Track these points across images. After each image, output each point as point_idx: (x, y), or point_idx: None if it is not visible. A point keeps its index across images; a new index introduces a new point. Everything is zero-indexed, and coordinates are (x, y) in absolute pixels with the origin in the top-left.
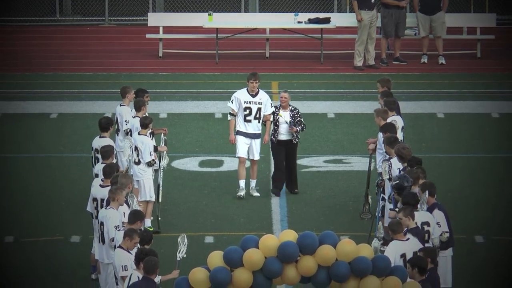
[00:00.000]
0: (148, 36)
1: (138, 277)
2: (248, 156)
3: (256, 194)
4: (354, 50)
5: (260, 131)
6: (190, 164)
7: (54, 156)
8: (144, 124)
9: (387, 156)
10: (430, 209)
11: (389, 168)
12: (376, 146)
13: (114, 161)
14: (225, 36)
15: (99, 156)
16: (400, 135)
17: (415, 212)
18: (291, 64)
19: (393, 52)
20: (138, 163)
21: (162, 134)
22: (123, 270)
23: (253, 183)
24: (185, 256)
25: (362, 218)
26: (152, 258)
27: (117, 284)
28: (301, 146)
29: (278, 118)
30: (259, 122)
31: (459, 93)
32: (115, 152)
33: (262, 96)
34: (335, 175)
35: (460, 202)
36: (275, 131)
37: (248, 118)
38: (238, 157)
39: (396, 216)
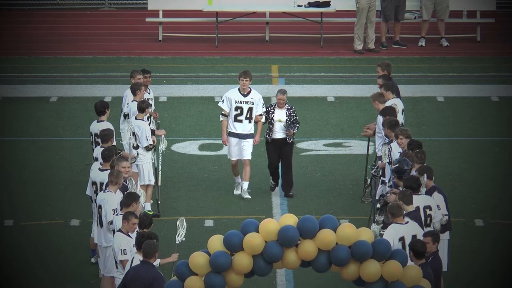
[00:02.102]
0: (148, 19)
1: (140, 261)
2: (240, 157)
3: (248, 196)
4: (354, 34)
5: (252, 131)
6: (190, 147)
7: (53, 139)
8: (141, 108)
9: (387, 140)
10: (429, 192)
11: (389, 151)
12: (375, 130)
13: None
14: (225, 20)
15: (99, 140)
16: (400, 118)
17: (416, 196)
18: (291, 47)
19: (393, 35)
20: (136, 147)
21: (153, 118)
22: (122, 254)
23: (245, 185)
24: (184, 239)
25: (362, 201)
26: (150, 242)
27: (116, 267)
28: (301, 129)
29: (273, 117)
30: (250, 122)
31: (459, 77)
32: (114, 136)
33: (254, 95)
34: (335, 158)
35: (459, 186)
36: (270, 129)
37: (239, 118)
38: (230, 160)
39: (396, 199)
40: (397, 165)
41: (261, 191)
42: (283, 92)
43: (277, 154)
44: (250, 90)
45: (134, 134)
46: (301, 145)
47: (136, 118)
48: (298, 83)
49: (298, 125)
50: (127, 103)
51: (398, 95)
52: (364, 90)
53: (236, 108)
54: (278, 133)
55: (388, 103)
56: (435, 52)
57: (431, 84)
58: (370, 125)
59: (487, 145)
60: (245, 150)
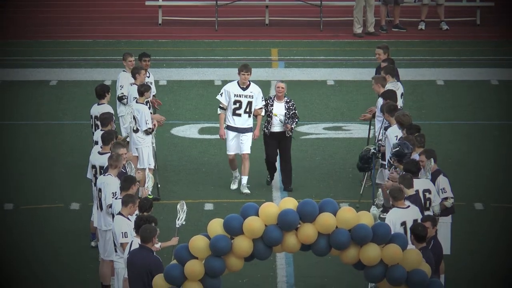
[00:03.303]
0: (147, 3)
1: (139, 244)
2: (239, 151)
3: (247, 191)
4: (353, 18)
5: (251, 125)
6: (189, 131)
7: (53, 123)
8: (140, 92)
9: (387, 123)
10: (434, 176)
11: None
12: (375, 113)
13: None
14: (225, 3)
15: (99, 123)
16: (399, 102)
17: (415, 180)
18: (291, 31)
19: (392, 19)
20: (136, 131)
21: (153, 106)
22: (123, 237)
23: (244, 179)
24: (184, 223)
25: (362, 185)
26: (147, 226)
27: (115, 251)
28: (301, 113)
29: (272, 110)
30: (249, 116)
31: (459, 60)
32: (114, 119)
33: (253, 89)
34: (335, 142)
35: (459, 169)
36: (268, 122)
37: (237, 111)
38: (228, 155)
39: (393, 185)
40: (398, 148)
41: (260, 185)
42: (281, 80)
43: (275, 147)
44: (250, 83)
45: (134, 118)
46: (301, 128)
47: (136, 102)
48: (298, 66)
49: (297, 119)
50: (121, 86)
51: (398, 79)
52: (364, 74)
53: (235, 102)
54: (277, 126)
55: (387, 87)
56: (435, 35)
57: (431, 68)
58: (371, 108)
59: (486, 128)
60: (244, 144)
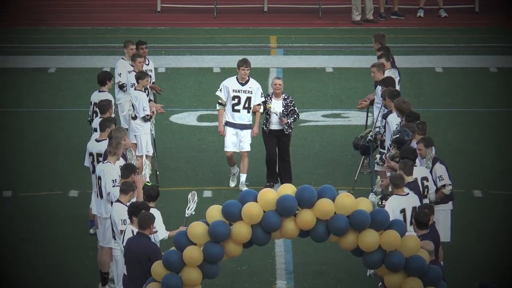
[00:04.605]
0: None
1: (132, 231)
2: (238, 148)
3: (245, 188)
4: (351, 5)
5: (250, 122)
6: (188, 118)
7: (52, 110)
8: (138, 78)
9: (386, 110)
10: (431, 163)
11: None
12: (373, 100)
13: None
14: None
15: (98, 110)
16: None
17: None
18: (290, 18)
19: (391, 6)
20: (134, 118)
21: (154, 91)
22: (122, 224)
23: (243, 177)
24: (193, 213)
25: (361, 172)
26: (146, 213)
27: (114, 238)
28: (300, 100)
29: (268, 110)
30: (248, 112)
31: (458, 48)
32: (113, 107)
33: (253, 84)
34: (334, 129)
35: (458, 157)
36: (267, 120)
37: (236, 107)
38: (225, 152)
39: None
40: (398, 135)
41: (259, 182)
42: (278, 77)
43: (275, 145)
44: (249, 79)
45: (133, 105)
46: (300, 116)
47: (135, 89)
48: (297, 53)
49: (296, 116)
50: (119, 74)
51: (394, 66)
52: (363, 61)
53: (234, 98)
54: (275, 124)
55: (385, 73)
56: (434, 23)
57: (430, 55)
58: (369, 96)
59: (485, 116)
60: (244, 141)
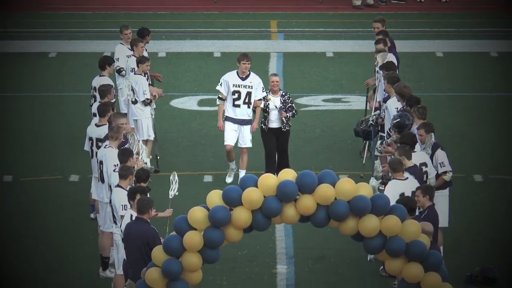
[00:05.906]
0: None
1: (131, 215)
2: (238, 144)
3: None
4: None
5: (250, 117)
6: (189, 103)
7: (53, 95)
8: (139, 62)
9: (386, 95)
10: (432, 149)
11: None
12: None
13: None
14: None
15: (97, 94)
16: None
17: (412, 153)
18: (290, 3)
19: None
20: (135, 102)
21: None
22: (123, 209)
23: (242, 173)
24: (177, 193)
25: (362, 157)
26: (144, 198)
27: (115, 223)
28: (300, 85)
29: (268, 103)
30: (248, 107)
31: (458, 32)
32: (113, 91)
33: (253, 79)
34: (334, 114)
35: (458, 141)
36: (266, 118)
37: (236, 102)
38: (225, 145)
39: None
40: (398, 119)
41: (259, 168)
42: (275, 74)
43: (274, 142)
44: (249, 73)
45: (133, 89)
46: (300, 100)
47: (135, 73)
48: (297, 38)
49: (295, 112)
50: (117, 58)
51: (394, 51)
52: (363, 46)
53: (234, 92)
54: (275, 122)
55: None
56: (434, 7)
57: (430, 40)
58: (369, 80)
59: (486, 100)
60: (245, 137)
